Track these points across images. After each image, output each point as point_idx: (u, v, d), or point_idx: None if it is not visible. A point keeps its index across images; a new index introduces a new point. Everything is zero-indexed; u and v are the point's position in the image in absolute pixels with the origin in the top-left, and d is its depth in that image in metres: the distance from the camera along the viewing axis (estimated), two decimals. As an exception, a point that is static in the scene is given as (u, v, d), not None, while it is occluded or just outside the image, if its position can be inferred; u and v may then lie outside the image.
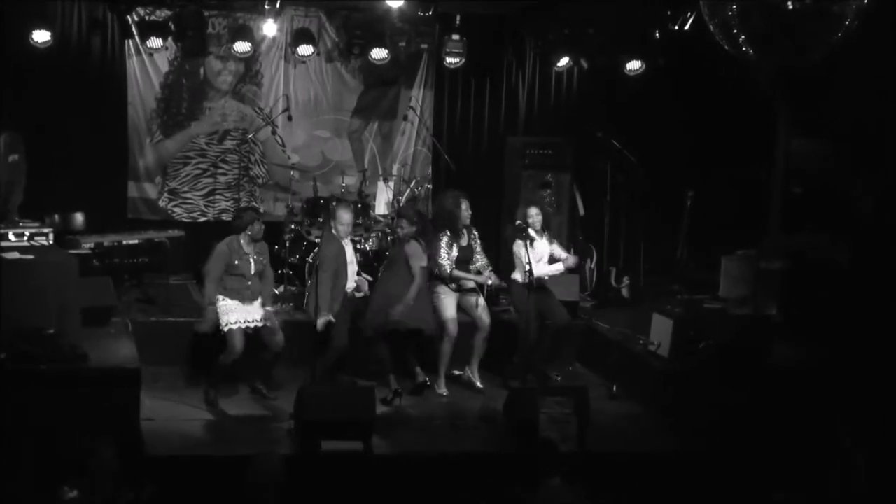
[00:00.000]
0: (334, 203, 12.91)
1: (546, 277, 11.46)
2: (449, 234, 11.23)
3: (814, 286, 11.98)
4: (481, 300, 11.39)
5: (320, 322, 10.53)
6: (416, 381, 11.25)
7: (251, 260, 10.66)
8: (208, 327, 10.60)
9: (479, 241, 11.46)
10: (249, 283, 10.63)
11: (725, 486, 9.29)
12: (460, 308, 11.38)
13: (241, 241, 10.66)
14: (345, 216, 11.10)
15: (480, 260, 11.42)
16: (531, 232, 11.37)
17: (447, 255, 11.19)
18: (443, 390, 11.40)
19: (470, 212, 11.27)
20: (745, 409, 10.39)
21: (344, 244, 11.04)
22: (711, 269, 13.43)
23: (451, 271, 11.23)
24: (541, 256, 11.46)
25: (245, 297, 10.60)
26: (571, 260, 11.69)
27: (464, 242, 11.30)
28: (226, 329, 10.52)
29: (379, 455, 9.67)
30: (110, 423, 9.51)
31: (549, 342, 11.62)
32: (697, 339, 11.27)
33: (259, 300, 10.73)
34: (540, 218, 11.56)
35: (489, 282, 11.32)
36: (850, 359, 10.82)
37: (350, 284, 11.05)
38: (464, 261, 11.28)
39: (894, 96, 11.82)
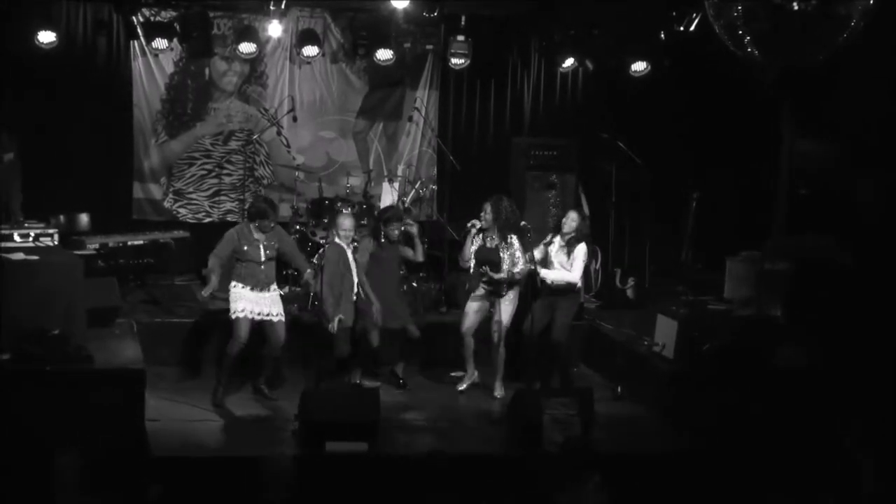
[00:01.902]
0: (338, 205, 12.96)
1: (552, 282, 11.35)
2: (472, 227, 11.19)
3: (818, 288, 11.96)
4: (501, 315, 11.20)
5: (333, 325, 10.66)
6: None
7: (261, 246, 10.65)
8: (208, 293, 10.48)
9: (514, 247, 11.09)
10: (262, 267, 10.63)
11: (730, 487, 9.29)
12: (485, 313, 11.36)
13: (251, 228, 10.68)
14: (345, 223, 11.07)
15: (508, 265, 11.08)
16: (557, 238, 11.32)
17: (467, 247, 11.18)
18: (462, 385, 11.49)
19: (490, 216, 11.02)
20: (749, 410, 10.38)
21: (346, 249, 11.04)
22: (716, 270, 13.43)
23: (462, 258, 11.21)
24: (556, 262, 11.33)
25: (258, 283, 10.60)
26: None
27: (490, 244, 11.10)
28: (233, 316, 10.55)
29: (384, 456, 9.66)
30: (115, 424, 9.55)
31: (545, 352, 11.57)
32: (702, 341, 11.26)
33: (273, 289, 10.76)
34: (574, 224, 11.37)
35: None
36: (855, 361, 10.81)
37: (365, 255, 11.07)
38: (485, 261, 11.09)
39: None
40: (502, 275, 11.05)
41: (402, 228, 11.30)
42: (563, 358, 11.43)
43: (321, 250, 11.97)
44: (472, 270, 11.25)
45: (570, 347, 11.79)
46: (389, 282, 11.21)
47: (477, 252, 11.12)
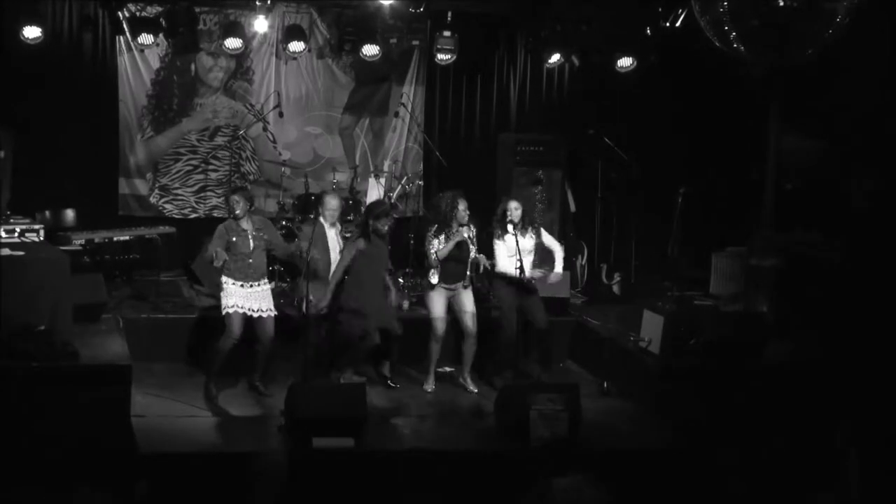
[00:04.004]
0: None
1: (530, 277, 11.37)
2: (436, 227, 11.20)
3: (805, 284, 12.00)
4: (470, 306, 11.31)
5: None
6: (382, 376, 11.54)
7: (250, 237, 10.66)
8: (220, 262, 10.49)
9: (474, 238, 11.26)
10: (251, 260, 10.64)
11: (716, 482, 9.31)
12: (450, 309, 11.37)
13: (239, 221, 10.70)
14: (332, 202, 11.18)
15: (479, 259, 11.23)
16: (510, 227, 11.32)
17: (434, 246, 11.14)
18: (429, 387, 11.46)
19: (468, 212, 11.14)
20: (735, 405, 10.41)
21: (328, 230, 11.06)
22: (703, 265, 13.46)
23: (437, 258, 11.12)
24: (518, 252, 11.34)
25: (248, 276, 10.62)
26: (553, 277, 11.59)
27: (457, 237, 11.09)
28: (224, 311, 10.57)
29: (370, 451, 9.66)
30: (101, 421, 9.54)
31: (531, 342, 11.59)
32: (688, 336, 11.30)
33: (262, 284, 10.78)
34: (519, 212, 11.47)
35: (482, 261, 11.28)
36: (843, 356, 10.84)
37: (349, 255, 10.99)
38: (461, 259, 11.19)
39: (887, 92, 11.84)
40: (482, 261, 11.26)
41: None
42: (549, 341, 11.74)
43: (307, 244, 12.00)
44: (436, 272, 11.23)
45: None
46: (378, 281, 11.12)
47: (456, 252, 11.14)
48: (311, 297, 10.64)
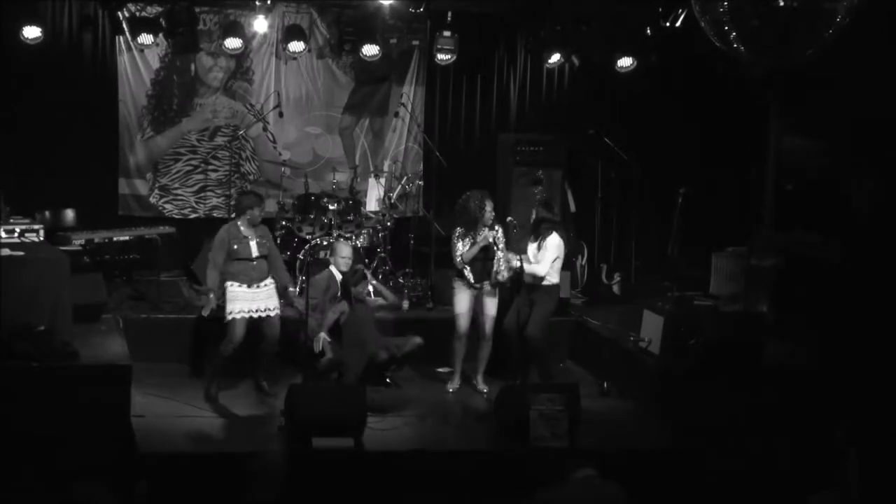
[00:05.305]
0: (324, 200, 12.94)
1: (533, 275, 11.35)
2: (462, 229, 11.18)
3: (806, 284, 11.99)
4: (491, 309, 11.27)
5: (317, 345, 10.72)
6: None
7: (251, 243, 10.71)
8: (208, 312, 10.75)
9: (502, 240, 11.18)
10: (254, 263, 10.70)
11: (716, 482, 9.31)
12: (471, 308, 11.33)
13: (240, 225, 10.74)
14: (343, 250, 11.18)
15: (502, 259, 11.15)
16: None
17: (459, 248, 11.13)
18: (453, 386, 11.52)
19: (493, 213, 11.13)
20: (735, 405, 10.40)
21: (338, 279, 11.10)
22: (703, 265, 13.45)
23: (462, 261, 11.12)
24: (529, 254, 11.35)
25: (252, 279, 10.66)
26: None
27: (482, 241, 11.09)
28: (229, 317, 10.58)
29: (370, 451, 9.66)
30: (101, 421, 9.53)
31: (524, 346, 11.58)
32: (688, 336, 11.29)
33: (267, 283, 10.81)
34: (532, 215, 11.52)
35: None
36: (843, 356, 10.83)
37: (333, 316, 10.98)
38: (487, 259, 11.16)
39: (888, 92, 11.83)
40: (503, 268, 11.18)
41: (370, 287, 11.11)
42: (540, 353, 11.35)
43: (307, 247, 12.00)
44: (467, 271, 11.21)
45: (546, 342, 11.55)
46: (367, 335, 11.01)
47: (481, 253, 11.12)
48: (323, 334, 10.73)
